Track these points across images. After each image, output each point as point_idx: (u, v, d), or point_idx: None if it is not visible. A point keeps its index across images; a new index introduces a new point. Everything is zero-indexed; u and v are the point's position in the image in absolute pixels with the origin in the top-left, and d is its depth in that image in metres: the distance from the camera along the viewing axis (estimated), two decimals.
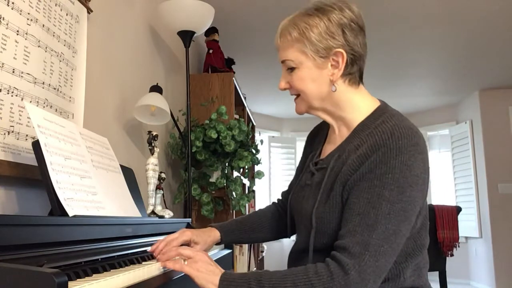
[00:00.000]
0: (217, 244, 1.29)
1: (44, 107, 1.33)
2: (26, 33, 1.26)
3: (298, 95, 1.10)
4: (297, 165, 1.31)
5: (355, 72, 1.05)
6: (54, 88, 1.39)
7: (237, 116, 3.17)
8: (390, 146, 0.93)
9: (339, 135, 1.10)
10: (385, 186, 0.91)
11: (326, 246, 1.00)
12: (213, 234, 1.26)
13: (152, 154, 1.75)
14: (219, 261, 1.30)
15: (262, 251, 4.51)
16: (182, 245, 1.12)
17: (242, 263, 3.06)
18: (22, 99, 1.23)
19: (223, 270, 0.95)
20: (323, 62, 1.03)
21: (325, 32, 1.00)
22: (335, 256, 0.90)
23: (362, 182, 0.94)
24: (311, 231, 1.03)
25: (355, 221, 0.92)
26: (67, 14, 1.49)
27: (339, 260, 0.89)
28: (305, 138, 1.32)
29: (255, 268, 3.70)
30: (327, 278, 0.87)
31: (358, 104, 1.06)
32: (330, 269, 0.88)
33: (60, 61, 1.43)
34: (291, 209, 1.20)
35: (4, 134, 1.17)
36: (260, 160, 2.91)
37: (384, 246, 0.89)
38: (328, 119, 1.11)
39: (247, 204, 3.20)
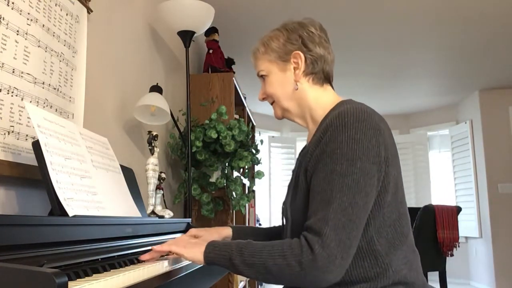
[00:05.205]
0: None
1: (44, 107, 1.33)
2: (26, 33, 1.26)
3: (273, 101, 1.20)
4: None
5: (318, 72, 1.15)
6: (54, 88, 1.39)
7: (237, 116, 3.17)
8: (336, 124, 0.98)
9: (310, 134, 1.17)
10: (335, 161, 0.96)
11: None
12: (224, 231, 1.28)
13: (152, 154, 1.75)
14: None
15: None
16: None
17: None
18: (22, 99, 1.23)
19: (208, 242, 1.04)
20: (285, 65, 1.15)
21: (284, 40, 1.15)
22: (303, 234, 0.96)
23: (318, 164, 0.99)
24: (288, 224, 1.09)
25: (316, 200, 0.97)
26: (67, 14, 1.49)
27: (306, 237, 0.94)
28: (305, 138, 1.36)
29: None
30: (297, 251, 0.92)
31: (323, 101, 1.14)
32: (301, 244, 0.93)
33: (60, 61, 1.43)
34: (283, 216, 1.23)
35: (4, 134, 1.17)
36: (260, 160, 2.90)
37: (342, 219, 0.92)
38: (301, 122, 1.20)
39: (247, 204, 3.20)
